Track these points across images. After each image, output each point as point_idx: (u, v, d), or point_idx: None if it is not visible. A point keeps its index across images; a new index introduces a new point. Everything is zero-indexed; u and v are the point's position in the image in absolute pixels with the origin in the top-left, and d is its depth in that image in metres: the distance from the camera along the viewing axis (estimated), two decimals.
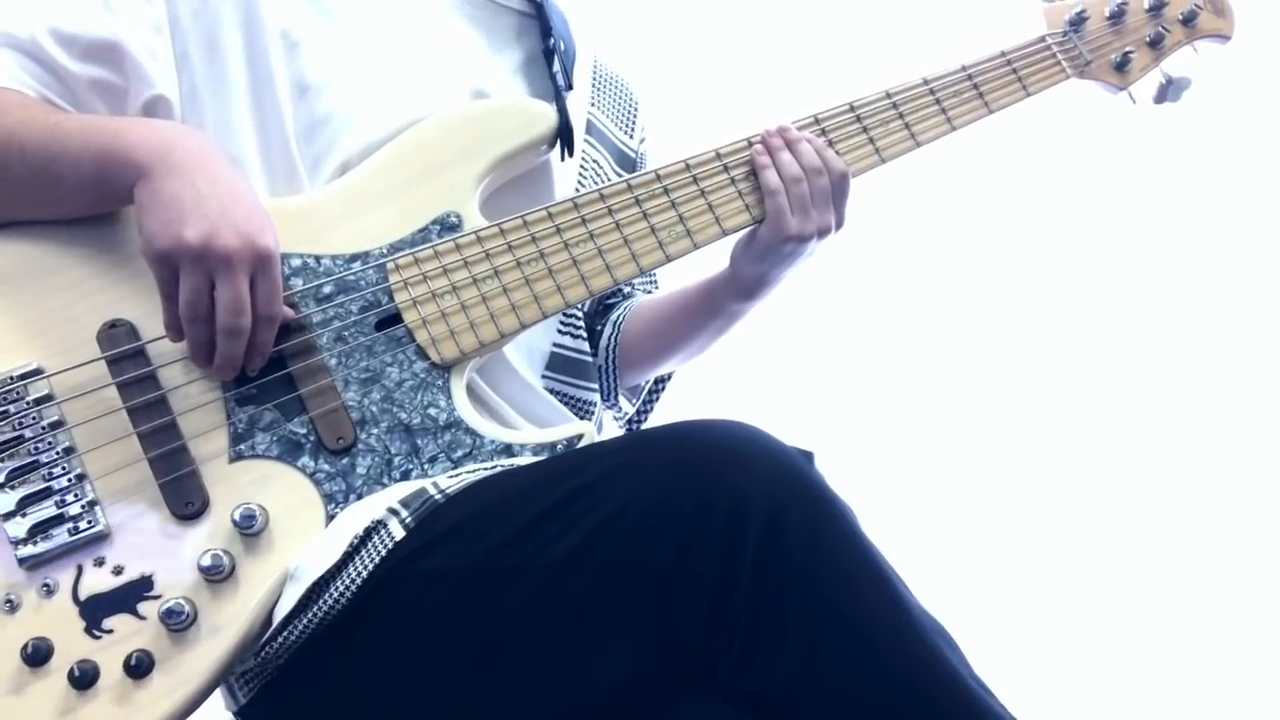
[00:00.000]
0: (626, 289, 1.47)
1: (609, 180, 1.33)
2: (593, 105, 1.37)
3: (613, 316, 1.43)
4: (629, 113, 1.44)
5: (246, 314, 1.03)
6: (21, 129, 1.07)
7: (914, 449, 2.38)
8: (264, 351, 1.06)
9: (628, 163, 1.41)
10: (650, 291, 1.49)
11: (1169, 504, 2.37)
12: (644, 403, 1.51)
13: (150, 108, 1.13)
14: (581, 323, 1.34)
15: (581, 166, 1.32)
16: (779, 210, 1.21)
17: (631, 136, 1.43)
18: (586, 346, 1.34)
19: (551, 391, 1.29)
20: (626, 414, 1.48)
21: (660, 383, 1.51)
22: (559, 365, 1.30)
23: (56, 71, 1.11)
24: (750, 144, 1.23)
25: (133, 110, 1.13)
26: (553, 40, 1.26)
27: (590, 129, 1.35)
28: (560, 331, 1.31)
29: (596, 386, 1.35)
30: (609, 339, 1.41)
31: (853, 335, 2.31)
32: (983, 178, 2.32)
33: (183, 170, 1.03)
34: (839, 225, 1.24)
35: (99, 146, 1.05)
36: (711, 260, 1.29)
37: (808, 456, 1.00)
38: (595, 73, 1.40)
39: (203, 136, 1.10)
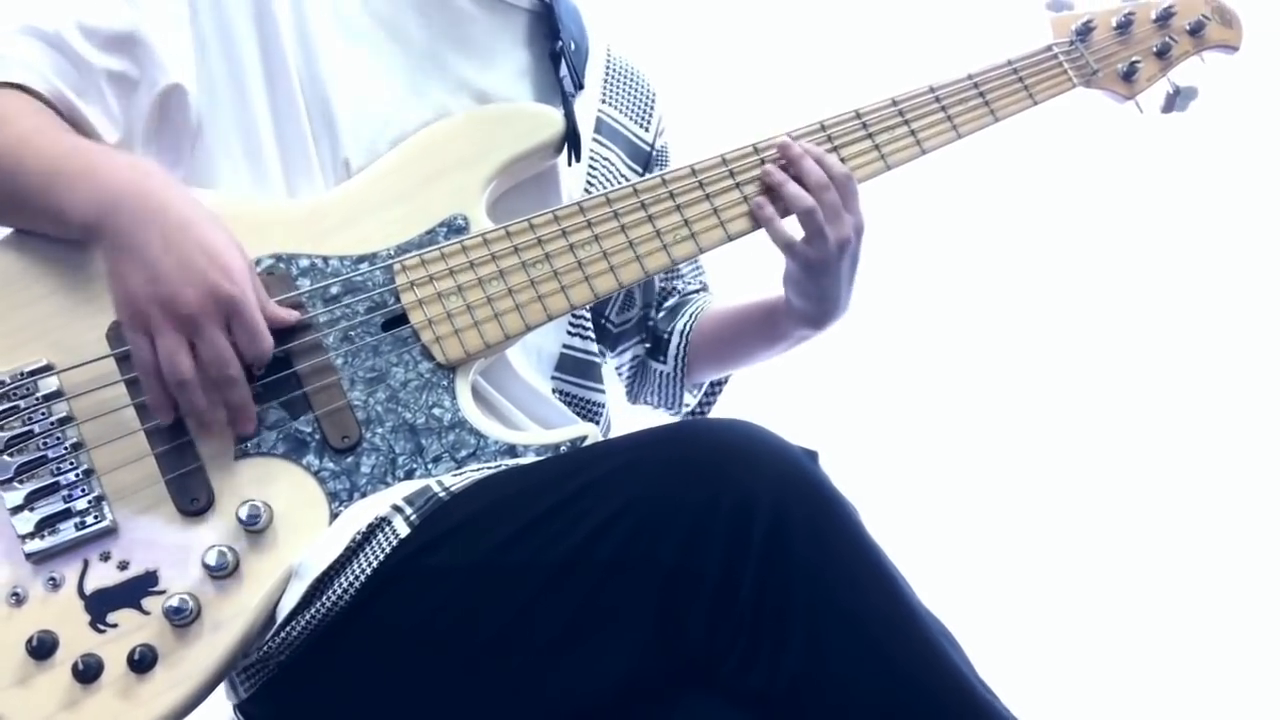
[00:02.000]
0: (680, 284, 1.48)
1: (620, 178, 1.35)
2: (604, 102, 1.37)
3: (680, 325, 1.44)
4: (644, 105, 1.44)
5: (233, 364, 1.03)
6: (3, 152, 1.07)
7: (918, 449, 2.38)
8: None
9: (641, 156, 1.41)
10: (708, 286, 1.50)
11: (1170, 504, 2.36)
12: (706, 395, 1.52)
13: (165, 98, 1.14)
14: (590, 324, 1.35)
15: (591, 166, 1.32)
16: (794, 253, 1.21)
17: (646, 130, 1.43)
18: (595, 348, 1.35)
19: (560, 393, 1.30)
20: (689, 406, 1.50)
21: (720, 381, 1.52)
22: (568, 366, 1.31)
23: (78, 64, 1.12)
24: (757, 150, 1.24)
25: (146, 102, 1.14)
26: (560, 43, 1.27)
27: (600, 127, 1.36)
28: (569, 333, 1.31)
29: (604, 388, 1.36)
30: (678, 347, 1.42)
31: (857, 335, 2.31)
32: (988, 185, 2.32)
33: (131, 232, 1.03)
34: (858, 231, 1.23)
35: (47, 197, 1.06)
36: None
37: (812, 455, 1.00)
38: (609, 66, 1.40)
39: (149, 175, 1.07)
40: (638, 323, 1.46)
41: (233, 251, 1.04)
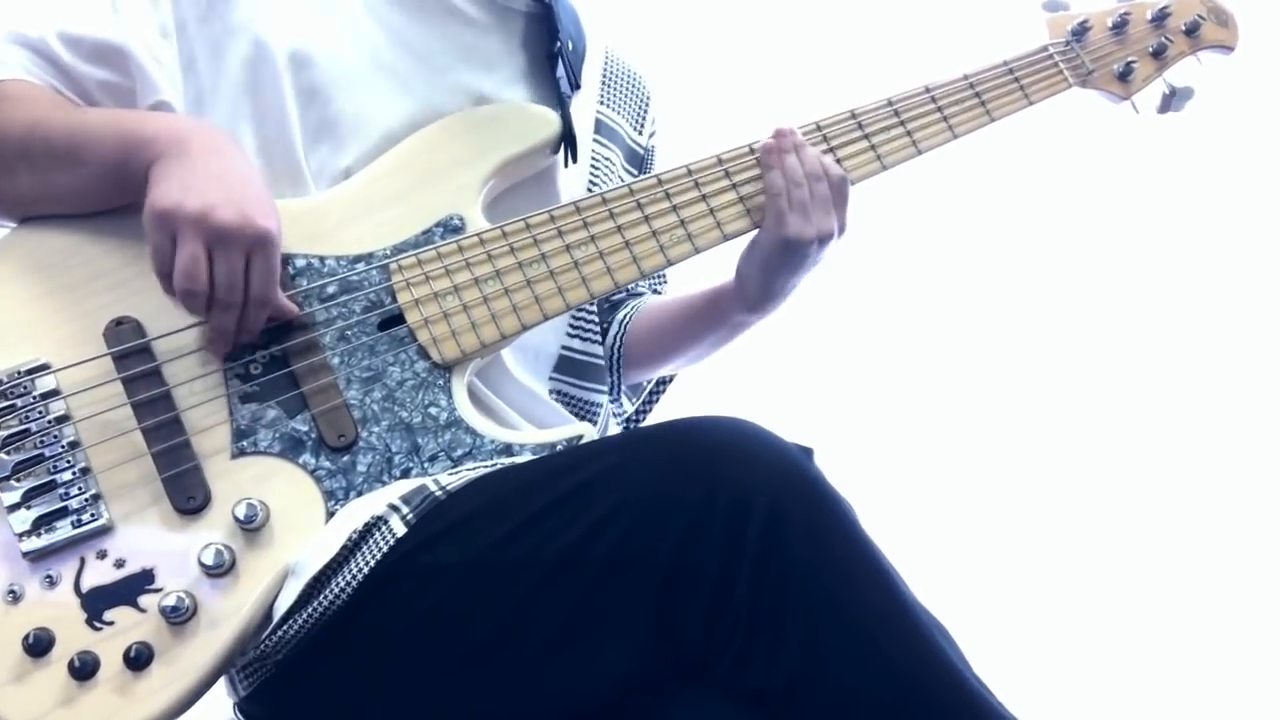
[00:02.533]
0: (636, 288, 1.47)
1: (620, 179, 1.35)
2: (602, 103, 1.38)
3: (619, 315, 1.44)
4: (640, 107, 1.44)
5: (239, 291, 1.04)
6: (45, 117, 1.10)
7: (913, 446, 2.38)
8: (252, 332, 1.07)
9: (636, 159, 1.42)
10: (659, 292, 1.50)
11: (1168, 503, 2.36)
12: (644, 402, 1.51)
13: (155, 110, 1.14)
14: (594, 325, 1.35)
15: (593, 167, 1.33)
16: (779, 212, 1.21)
17: (640, 132, 1.44)
18: (597, 349, 1.35)
19: (559, 393, 1.30)
20: (626, 412, 1.49)
21: (662, 384, 1.52)
22: (567, 367, 1.31)
23: (67, 72, 1.13)
24: (752, 150, 1.24)
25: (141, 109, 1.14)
26: (558, 44, 1.27)
27: (599, 127, 1.36)
28: (569, 334, 1.32)
29: (605, 389, 1.36)
30: (614, 337, 1.42)
31: (852, 333, 2.33)
32: (984, 185, 2.33)
33: (196, 155, 1.06)
34: (841, 231, 1.24)
35: (122, 131, 1.09)
36: (720, 261, 1.29)
37: (808, 453, 1.00)
38: (606, 67, 1.41)
39: (221, 132, 1.12)
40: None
41: (274, 208, 1.07)
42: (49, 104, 1.12)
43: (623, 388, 1.45)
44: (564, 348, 1.31)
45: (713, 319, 1.35)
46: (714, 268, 1.30)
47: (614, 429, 1.38)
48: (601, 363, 1.35)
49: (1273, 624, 2.27)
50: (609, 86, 1.40)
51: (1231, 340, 2.42)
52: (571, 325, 1.32)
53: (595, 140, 1.35)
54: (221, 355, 1.08)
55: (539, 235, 1.17)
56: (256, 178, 1.08)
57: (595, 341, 1.34)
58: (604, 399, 1.36)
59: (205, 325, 1.07)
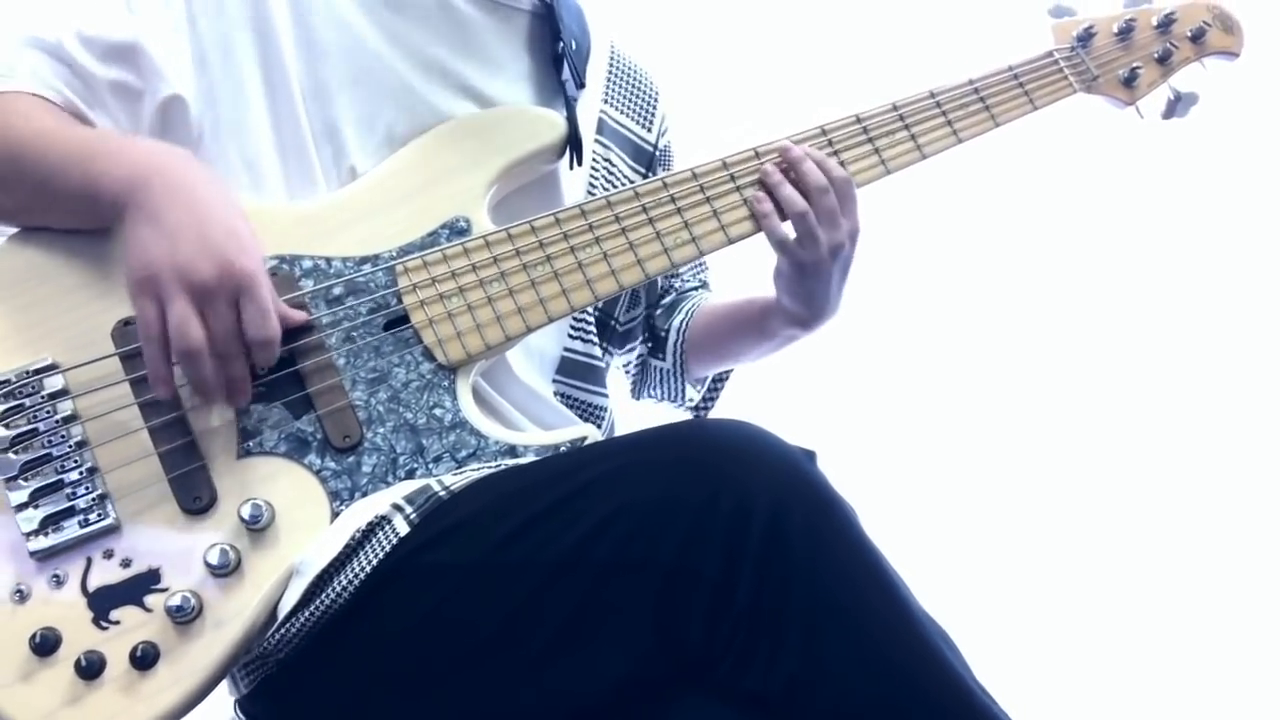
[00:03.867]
0: (678, 282, 1.49)
1: (622, 179, 1.36)
2: (605, 102, 1.38)
3: (676, 322, 1.45)
4: (647, 105, 1.44)
5: (237, 339, 1.03)
6: (27, 145, 1.09)
7: (916, 450, 2.39)
8: (268, 366, 1.07)
9: (644, 157, 1.42)
10: (706, 284, 1.51)
11: (1169, 505, 2.36)
12: (710, 390, 1.52)
13: (166, 107, 1.15)
14: (593, 327, 1.35)
15: (593, 168, 1.33)
16: (788, 252, 1.23)
17: (649, 130, 1.44)
18: (598, 351, 1.35)
19: (562, 396, 1.30)
20: (693, 400, 1.51)
21: (725, 372, 1.53)
22: (569, 370, 1.32)
23: (81, 74, 1.14)
24: (758, 154, 1.25)
25: (149, 110, 1.15)
26: (562, 44, 1.27)
27: (602, 128, 1.36)
28: (571, 336, 1.32)
29: (607, 391, 1.36)
30: (675, 344, 1.44)
31: (856, 337, 2.32)
32: (988, 190, 2.33)
33: (156, 204, 1.04)
34: (853, 236, 1.24)
35: (81, 173, 1.07)
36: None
37: (810, 456, 1.01)
38: (611, 65, 1.41)
39: (180, 157, 1.09)
40: (641, 322, 1.47)
41: (250, 236, 1.05)
42: (37, 124, 1.10)
43: (687, 381, 1.48)
44: (565, 349, 1.31)
45: (764, 333, 1.37)
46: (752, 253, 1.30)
47: (619, 431, 1.39)
48: (601, 364, 1.36)
49: (1273, 624, 2.27)
50: (613, 84, 1.40)
51: (1234, 344, 2.42)
52: (572, 327, 1.32)
53: (597, 140, 1.35)
54: (244, 403, 1.07)
55: (544, 238, 1.17)
56: (223, 205, 1.06)
57: (594, 343, 1.35)
58: (608, 402, 1.36)
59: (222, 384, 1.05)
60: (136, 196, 1.04)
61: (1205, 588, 2.30)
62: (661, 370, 1.47)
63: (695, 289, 1.50)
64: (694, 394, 1.50)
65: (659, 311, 1.47)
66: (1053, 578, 2.31)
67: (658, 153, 1.44)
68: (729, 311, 1.42)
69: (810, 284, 1.25)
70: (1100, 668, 2.24)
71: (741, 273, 1.42)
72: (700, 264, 1.52)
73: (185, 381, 1.07)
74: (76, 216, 1.09)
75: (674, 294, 1.49)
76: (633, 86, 1.43)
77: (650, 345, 1.47)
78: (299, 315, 1.09)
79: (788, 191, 1.22)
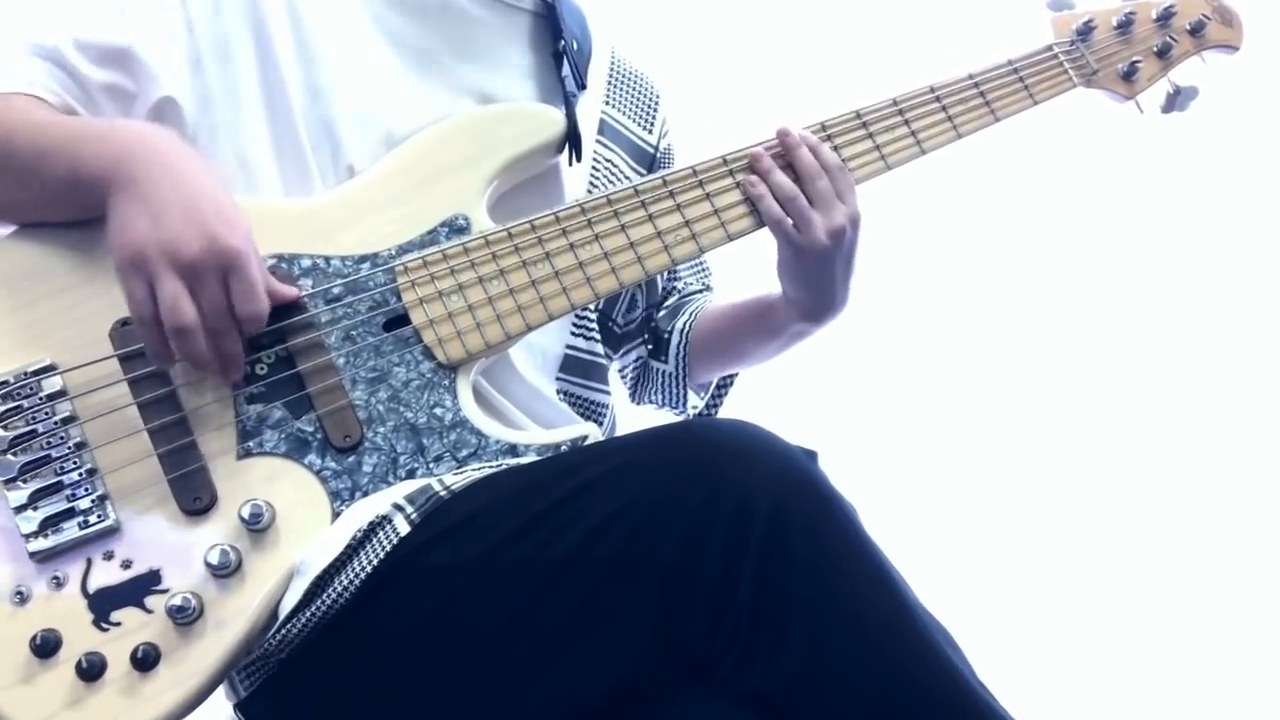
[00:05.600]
0: (680, 284, 1.48)
1: (623, 179, 1.35)
2: (607, 104, 1.38)
3: (679, 324, 1.44)
4: (648, 107, 1.44)
5: (228, 315, 1.03)
6: (18, 132, 1.09)
7: (917, 449, 2.38)
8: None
9: (645, 159, 1.42)
10: (710, 287, 1.50)
11: (1169, 505, 2.36)
12: (713, 397, 1.51)
13: (159, 109, 1.15)
14: (595, 324, 1.35)
15: (594, 168, 1.33)
16: (784, 233, 1.22)
17: (650, 132, 1.43)
18: (600, 348, 1.35)
19: (565, 393, 1.30)
20: (696, 407, 1.50)
21: (729, 378, 1.52)
22: (572, 367, 1.31)
23: (76, 77, 1.14)
24: None
25: (142, 112, 1.15)
26: (563, 42, 1.27)
27: (603, 129, 1.36)
28: (573, 334, 1.32)
29: (609, 389, 1.36)
30: (679, 346, 1.43)
31: (856, 335, 2.31)
32: (988, 185, 2.33)
33: (141, 181, 1.03)
34: (853, 221, 1.23)
35: (68, 156, 1.07)
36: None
37: (811, 455, 1.01)
38: (612, 68, 1.41)
39: (165, 136, 1.09)
40: (641, 324, 1.46)
41: (236, 211, 1.05)
42: (30, 116, 1.10)
43: (691, 387, 1.46)
44: (569, 347, 1.31)
45: (771, 330, 1.36)
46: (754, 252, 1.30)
47: (620, 428, 1.39)
48: (604, 362, 1.36)
49: (1273, 624, 2.27)
50: (614, 87, 1.40)
51: (1235, 340, 2.41)
52: (575, 325, 1.32)
53: (598, 141, 1.35)
54: (235, 381, 1.07)
55: (544, 235, 1.17)
56: (210, 182, 1.06)
57: (597, 340, 1.35)
58: (609, 399, 1.36)
59: (216, 359, 1.05)
60: (121, 175, 1.04)
61: (1205, 587, 2.30)
62: (664, 373, 1.46)
63: (699, 292, 1.49)
64: (697, 400, 1.49)
65: (661, 313, 1.46)
66: (1053, 576, 2.31)
67: (659, 154, 1.44)
68: (735, 310, 1.42)
69: (812, 271, 1.24)
70: (1100, 666, 2.24)
71: (745, 275, 1.41)
72: (703, 267, 1.51)
73: (182, 383, 1.07)
74: (65, 203, 1.09)
75: (677, 296, 1.48)
76: (633, 89, 1.42)
77: (652, 348, 1.47)
78: (289, 291, 1.09)
79: (778, 177, 1.21)
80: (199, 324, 1.02)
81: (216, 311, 1.02)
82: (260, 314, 1.04)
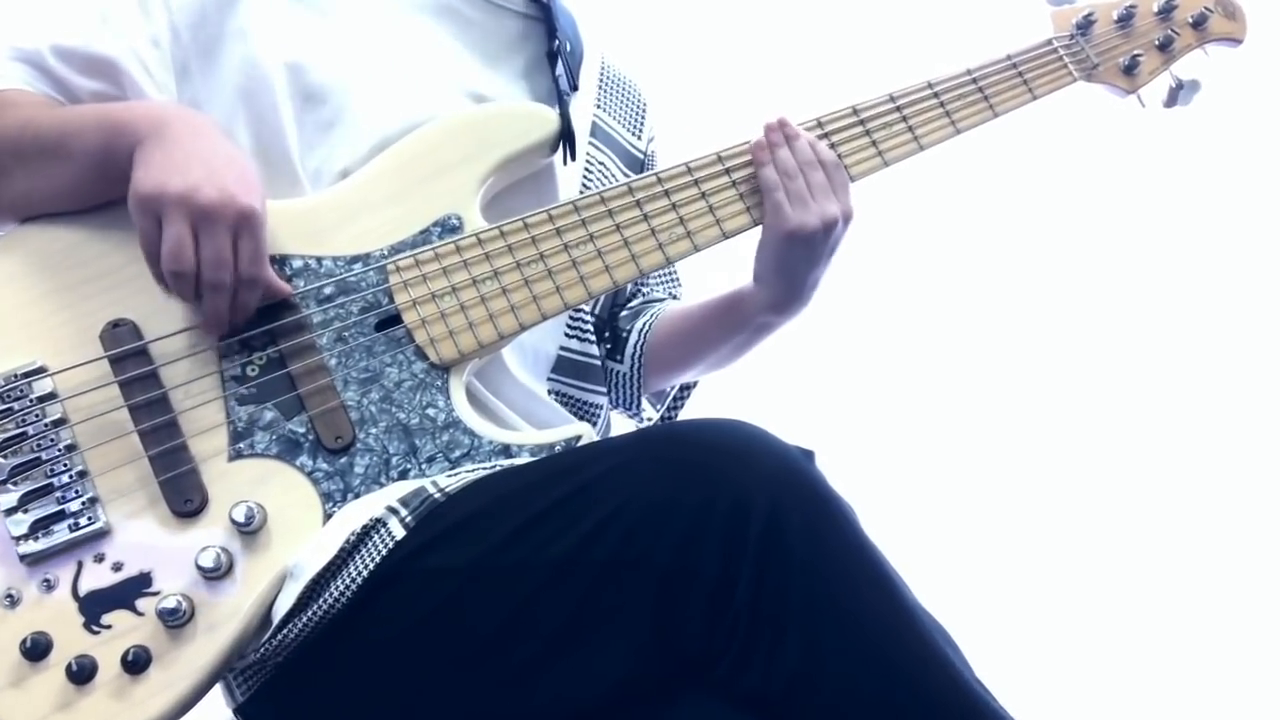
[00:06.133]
0: (646, 290, 1.47)
1: (615, 182, 1.34)
2: (599, 107, 1.37)
3: (639, 324, 1.42)
4: (637, 114, 1.44)
5: (228, 269, 1.04)
6: (34, 116, 1.11)
7: (915, 449, 2.38)
8: (247, 312, 1.07)
9: (636, 164, 1.41)
10: (677, 297, 1.48)
11: (1168, 505, 2.35)
12: (669, 409, 1.50)
13: None
14: (589, 326, 1.34)
15: (587, 169, 1.32)
16: (777, 206, 1.21)
17: (639, 138, 1.43)
18: (594, 349, 1.34)
19: (558, 394, 1.29)
20: (651, 419, 1.48)
21: (686, 389, 1.50)
22: (565, 368, 1.30)
23: (61, 84, 1.15)
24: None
25: None
26: (557, 43, 1.27)
27: (595, 131, 1.36)
28: (567, 334, 1.31)
29: (604, 389, 1.35)
30: (635, 345, 1.41)
31: (854, 335, 2.32)
32: (986, 182, 2.32)
33: (176, 137, 1.06)
34: (845, 216, 1.22)
35: (105, 120, 1.09)
36: (730, 259, 1.28)
37: (808, 455, 1.00)
38: (603, 74, 1.40)
39: (203, 115, 1.12)
40: (598, 325, 1.44)
41: (258, 183, 1.07)
42: (41, 106, 1.13)
43: (645, 395, 1.44)
44: (561, 348, 1.30)
45: (735, 322, 1.33)
46: (726, 266, 1.29)
47: (615, 429, 1.38)
48: (598, 363, 1.34)
49: (1273, 624, 2.26)
50: (605, 92, 1.40)
51: (1234, 338, 2.40)
52: (569, 326, 1.31)
53: (591, 143, 1.34)
54: (216, 338, 1.08)
55: (537, 235, 1.16)
56: (241, 158, 1.09)
57: (591, 341, 1.34)
58: (604, 400, 1.35)
59: (199, 309, 1.07)
60: (152, 128, 1.07)
61: (1205, 586, 2.29)
62: (618, 374, 1.42)
63: (663, 300, 1.46)
64: (651, 412, 1.47)
65: (623, 313, 1.44)
66: (1052, 576, 2.30)
67: (647, 161, 1.43)
68: (696, 307, 1.39)
69: (796, 255, 1.22)
70: (1100, 666, 2.23)
71: (713, 288, 1.39)
72: (674, 277, 1.49)
73: (177, 384, 1.07)
74: (89, 179, 1.09)
75: (640, 299, 1.46)
76: (623, 97, 1.42)
77: (609, 348, 1.43)
78: (283, 285, 1.09)
79: (783, 154, 1.21)
80: (193, 272, 1.03)
81: (216, 261, 1.03)
82: (260, 279, 1.06)
